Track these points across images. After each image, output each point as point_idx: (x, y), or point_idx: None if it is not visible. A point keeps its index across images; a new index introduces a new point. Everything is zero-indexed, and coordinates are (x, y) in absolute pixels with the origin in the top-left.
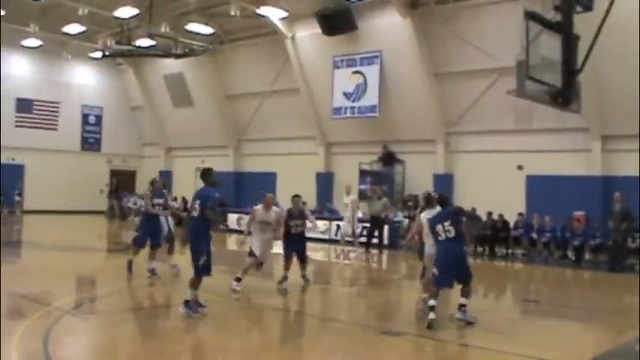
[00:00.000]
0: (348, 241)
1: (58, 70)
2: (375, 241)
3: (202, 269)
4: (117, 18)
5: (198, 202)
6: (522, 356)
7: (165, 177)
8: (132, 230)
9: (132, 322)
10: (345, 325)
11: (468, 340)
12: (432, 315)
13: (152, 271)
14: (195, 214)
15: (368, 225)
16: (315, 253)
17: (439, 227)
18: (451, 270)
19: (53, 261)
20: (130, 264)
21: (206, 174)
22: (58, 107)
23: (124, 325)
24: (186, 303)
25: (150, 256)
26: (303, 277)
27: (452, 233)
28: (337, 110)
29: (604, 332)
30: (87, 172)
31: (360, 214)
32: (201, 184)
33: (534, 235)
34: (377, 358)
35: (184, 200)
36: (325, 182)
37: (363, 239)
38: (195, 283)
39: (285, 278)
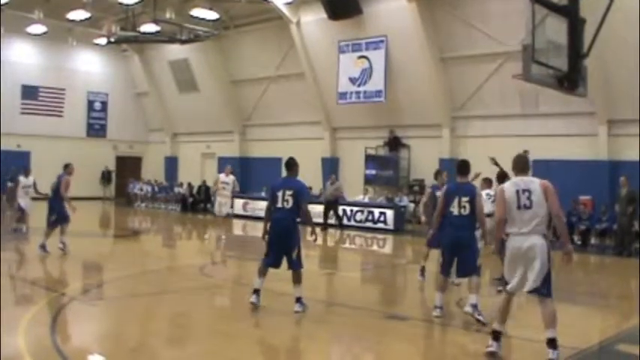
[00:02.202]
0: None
1: (63, 57)
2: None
3: (299, 262)
4: (121, 4)
5: (290, 193)
6: (528, 340)
7: (171, 162)
8: (138, 217)
9: (139, 307)
10: (350, 308)
11: (471, 324)
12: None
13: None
14: (287, 206)
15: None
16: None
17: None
18: None
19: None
20: None
21: (294, 163)
22: (63, 94)
23: (131, 311)
24: (299, 299)
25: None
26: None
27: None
28: (343, 95)
29: (610, 317)
30: (93, 158)
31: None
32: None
33: None
34: (382, 342)
35: (190, 186)
36: (331, 167)
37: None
38: (300, 278)
39: None
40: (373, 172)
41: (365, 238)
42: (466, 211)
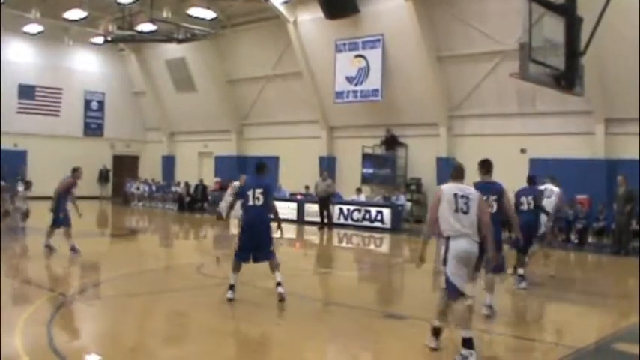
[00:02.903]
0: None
1: (59, 56)
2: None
3: (274, 253)
4: (118, 3)
5: (260, 191)
6: (524, 339)
7: (169, 162)
8: (135, 216)
9: (136, 307)
10: (348, 307)
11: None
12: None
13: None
14: (258, 203)
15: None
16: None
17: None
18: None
19: (57, 247)
20: None
21: (264, 166)
22: (60, 93)
23: (128, 310)
24: (280, 283)
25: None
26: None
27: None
28: (339, 94)
29: (607, 315)
30: (90, 157)
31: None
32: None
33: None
34: (380, 341)
35: (187, 185)
36: (328, 166)
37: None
38: (278, 265)
39: None
40: (370, 171)
41: (362, 237)
42: (493, 209)
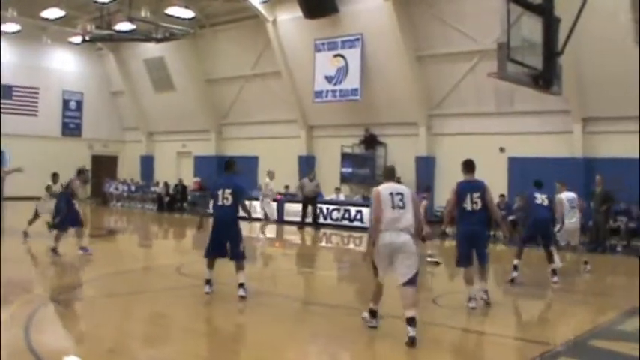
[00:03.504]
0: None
1: (37, 56)
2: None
3: (243, 253)
4: (96, 2)
5: (229, 191)
6: (502, 336)
7: (147, 162)
8: (114, 216)
9: (115, 307)
10: (328, 307)
11: (448, 321)
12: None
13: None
14: (227, 203)
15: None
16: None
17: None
18: None
19: (35, 247)
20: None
21: (232, 164)
22: (38, 93)
23: (107, 311)
24: (242, 285)
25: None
26: None
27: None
28: (319, 93)
29: (585, 313)
30: (68, 157)
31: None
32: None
33: (516, 217)
34: (360, 341)
35: (166, 185)
36: (307, 166)
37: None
38: (243, 266)
39: None
40: (349, 170)
41: (341, 236)
42: (477, 207)
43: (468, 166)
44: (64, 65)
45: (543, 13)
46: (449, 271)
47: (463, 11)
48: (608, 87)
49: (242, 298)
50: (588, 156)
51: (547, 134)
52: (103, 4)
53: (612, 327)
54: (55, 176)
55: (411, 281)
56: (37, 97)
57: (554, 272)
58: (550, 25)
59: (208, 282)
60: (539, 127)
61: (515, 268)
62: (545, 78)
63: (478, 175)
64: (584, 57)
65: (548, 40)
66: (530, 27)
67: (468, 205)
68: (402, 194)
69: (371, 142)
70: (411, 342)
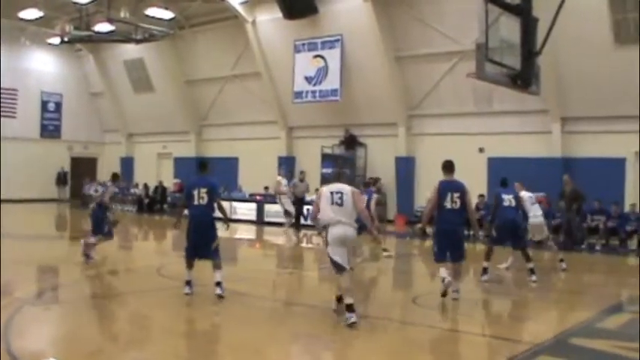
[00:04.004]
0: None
1: (15, 57)
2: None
3: (217, 252)
4: (75, 3)
5: (205, 190)
6: (484, 336)
7: (127, 163)
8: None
9: (95, 310)
10: (310, 308)
11: (430, 321)
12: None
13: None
14: (203, 202)
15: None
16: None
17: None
18: None
19: (14, 250)
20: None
21: (206, 164)
22: (16, 94)
23: (87, 314)
24: (219, 284)
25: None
26: None
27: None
28: (298, 94)
29: (566, 311)
30: (47, 159)
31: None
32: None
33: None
34: (341, 341)
35: (146, 186)
36: (287, 166)
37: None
38: (219, 265)
39: None
40: (330, 170)
41: (322, 237)
42: (457, 205)
43: (448, 166)
44: (43, 66)
45: (521, 13)
46: (429, 271)
47: (443, 12)
48: (586, 87)
49: (220, 297)
50: (567, 155)
51: (526, 134)
52: (82, 4)
53: (592, 325)
54: (115, 177)
55: (352, 268)
56: (15, 99)
57: (531, 271)
58: (528, 25)
59: (188, 283)
60: (518, 127)
61: (485, 270)
62: (524, 78)
63: (458, 175)
64: (563, 57)
65: (526, 41)
66: (509, 27)
67: (448, 204)
68: (341, 193)
69: (351, 142)
70: (350, 327)
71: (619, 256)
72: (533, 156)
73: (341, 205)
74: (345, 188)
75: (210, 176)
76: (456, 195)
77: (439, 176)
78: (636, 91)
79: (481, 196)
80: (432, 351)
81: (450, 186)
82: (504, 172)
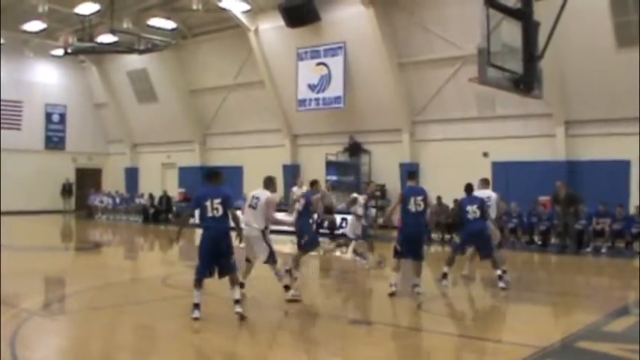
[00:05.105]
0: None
1: (19, 69)
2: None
3: (235, 266)
4: (78, 15)
5: (218, 201)
6: (491, 341)
7: (132, 173)
8: (99, 229)
9: (101, 320)
10: (314, 315)
11: (436, 327)
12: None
13: None
14: (217, 214)
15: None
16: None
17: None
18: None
19: (20, 262)
20: None
21: (217, 173)
22: (21, 106)
23: (93, 325)
24: (238, 301)
25: None
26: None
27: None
28: (302, 102)
29: (572, 315)
30: (52, 171)
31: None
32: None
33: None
34: (347, 347)
35: (151, 196)
36: (292, 174)
37: None
38: (238, 280)
39: None
40: (334, 178)
41: (326, 243)
42: (420, 208)
43: (412, 175)
44: (47, 78)
45: (523, 17)
46: (434, 276)
47: (445, 17)
48: (589, 90)
49: (242, 318)
50: (571, 159)
51: (530, 138)
52: (85, 16)
53: (598, 328)
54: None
55: (267, 261)
56: (20, 111)
57: (500, 278)
58: (530, 29)
59: (197, 306)
60: (521, 130)
61: (445, 276)
62: (526, 82)
63: (462, 180)
64: (566, 60)
65: (528, 45)
66: (510, 32)
67: (412, 207)
68: (258, 198)
69: (355, 149)
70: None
71: (625, 258)
72: (537, 160)
73: (254, 208)
74: (263, 194)
75: (223, 186)
76: (419, 199)
77: (444, 181)
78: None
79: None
80: (439, 357)
81: (413, 191)
82: (509, 177)
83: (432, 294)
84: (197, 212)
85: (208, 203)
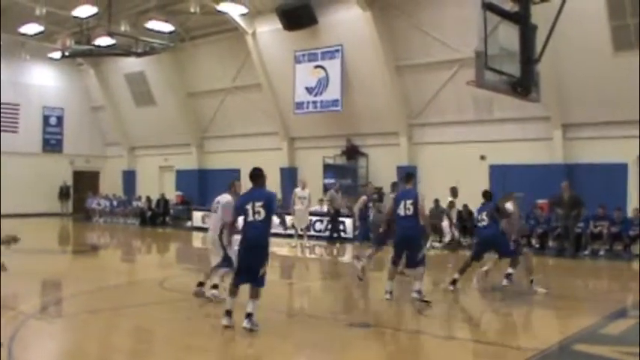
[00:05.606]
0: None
1: (17, 72)
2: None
3: (263, 279)
4: (75, 17)
5: (260, 204)
6: (487, 344)
7: (129, 176)
8: (96, 232)
9: (99, 323)
10: (312, 318)
11: (433, 330)
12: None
13: None
14: (259, 218)
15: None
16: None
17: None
18: None
19: (17, 264)
20: None
21: (260, 174)
22: (18, 109)
23: (91, 327)
24: (250, 315)
25: None
26: None
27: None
28: (299, 105)
29: (569, 317)
30: (49, 174)
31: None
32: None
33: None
34: (346, 351)
35: (148, 199)
36: (289, 177)
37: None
38: (259, 294)
39: None
40: (332, 181)
41: (325, 247)
42: (410, 212)
43: (407, 177)
44: (44, 81)
45: (520, 21)
46: (431, 279)
47: (442, 20)
48: (587, 93)
49: (250, 331)
50: (569, 162)
51: (527, 141)
52: (83, 18)
53: (596, 331)
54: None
55: (218, 266)
56: (17, 114)
57: (507, 276)
58: (527, 32)
59: (229, 313)
60: (519, 134)
61: (454, 282)
62: (524, 85)
63: (460, 183)
64: (563, 64)
65: (525, 48)
66: (508, 35)
67: (401, 211)
68: (218, 202)
69: (352, 152)
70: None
71: (623, 261)
72: (534, 163)
73: (215, 212)
74: (223, 199)
75: (266, 189)
76: (409, 202)
77: (441, 184)
78: (636, 97)
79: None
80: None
81: (403, 195)
82: (506, 180)
83: (429, 297)
84: (240, 219)
85: (250, 206)
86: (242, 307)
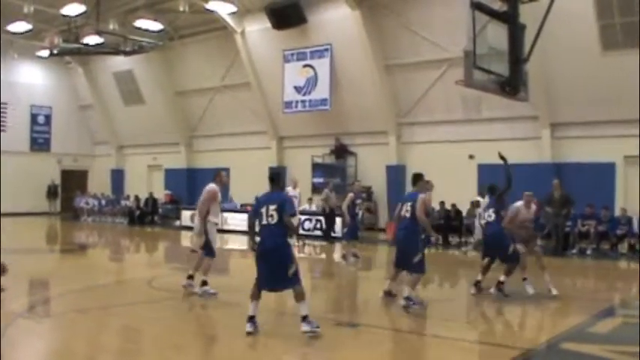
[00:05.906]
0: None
1: (4, 70)
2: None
3: (295, 278)
4: (64, 15)
5: (274, 207)
6: (478, 343)
7: (118, 175)
8: (84, 231)
9: (87, 323)
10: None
11: (423, 329)
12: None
13: None
14: (272, 221)
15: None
16: None
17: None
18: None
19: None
20: None
21: (276, 176)
22: (5, 108)
23: (79, 327)
24: (306, 318)
25: None
26: None
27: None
28: (288, 104)
29: (557, 316)
30: (37, 172)
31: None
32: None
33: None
34: (333, 350)
35: (137, 198)
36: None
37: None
38: (303, 294)
39: None
40: (321, 180)
41: (313, 246)
42: (408, 214)
43: (413, 178)
44: (32, 79)
45: (509, 20)
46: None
47: (431, 20)
48: (575, 92)
49: (311, 334)
50: (557, 161)
51: (516, 140)
52: (71, 17)
53: (584, 329)
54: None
55: (204, 253)
56: (4, 112)
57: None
58: (515, 32)
59: (251, 320)
60: (508, 133)
61: (478, 284)
62: (512, 85)
63: (449, 182)
64: (551, 63)
65: (514, 47)
66: (496, 35)
67: (401, 214)
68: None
69: (341, 151)
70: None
71: (610, 260)
72: (523, 162)
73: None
74: (208, 186)
75: (282, 192)
76: (408, 204)
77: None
78: (624, 96)
79: (472, 202)
80: (424, 358)
81: (403, 197)
82: (495, 179)
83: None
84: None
85: (264, 209)
86: (226, 304)
